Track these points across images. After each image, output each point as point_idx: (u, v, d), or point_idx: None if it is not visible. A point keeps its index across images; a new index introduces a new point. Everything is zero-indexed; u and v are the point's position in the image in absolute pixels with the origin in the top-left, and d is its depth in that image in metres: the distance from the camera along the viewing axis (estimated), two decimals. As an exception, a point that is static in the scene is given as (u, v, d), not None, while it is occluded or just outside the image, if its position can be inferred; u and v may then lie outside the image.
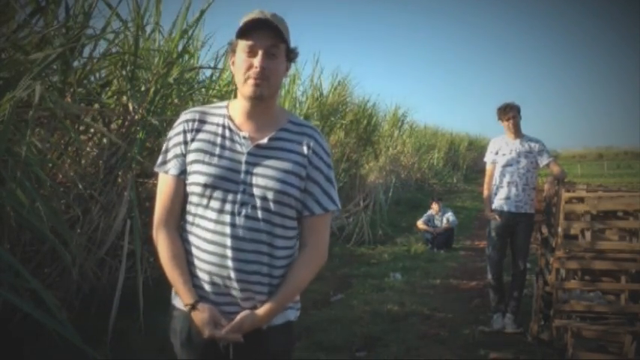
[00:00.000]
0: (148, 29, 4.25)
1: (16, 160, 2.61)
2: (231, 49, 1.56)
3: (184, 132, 1.58)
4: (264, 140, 1.54)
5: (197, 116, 1.59)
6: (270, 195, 1.51)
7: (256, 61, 1.50)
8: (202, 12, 4.23)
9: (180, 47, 4.25)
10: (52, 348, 2.92)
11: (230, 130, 1.56)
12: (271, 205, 1.51)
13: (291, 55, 1.59)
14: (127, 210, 3.64)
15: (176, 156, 1.58)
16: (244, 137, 1.54)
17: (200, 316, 1.49)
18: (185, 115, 1.61)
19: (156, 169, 1.63)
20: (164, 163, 1.60)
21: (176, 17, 4.26)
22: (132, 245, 3.51)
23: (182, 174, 1.57)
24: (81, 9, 3.52)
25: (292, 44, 1.59)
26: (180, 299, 1.54)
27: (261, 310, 1.51)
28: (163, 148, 1.62)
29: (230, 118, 1.58)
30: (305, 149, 1.56)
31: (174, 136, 1.59)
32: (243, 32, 1.51)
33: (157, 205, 1.60)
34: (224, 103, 1.64)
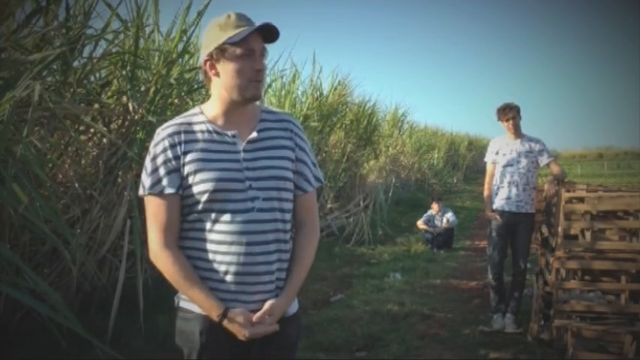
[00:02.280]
0: (148, 29, 4.25)
1: (16, 160, 2.62)
2: (220, 56, 1.53)
3: (172, 146, 1.53)
4: (254, 134, 1.58)
5: (181, 128, 1.56)
6: (274, 184, 1.56)
7: (258, 64, 1.55)
8: (200, 14, 4.22)
9: (180, 47, 4.25)
10: (51, 350, 2.92)
11: (217, 133, 1.56)
12: (277, 193, 1.57)
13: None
14: (127, 210, 3.65)
15: (169, 172, 1.53)
16: (233, 136, 1.57)
17: (235, 320, 1.50)
18: (165, 131, 1.56)
19: (149, 192, 1.55)
20: (157, 182, 1.53)
21: (174, 17, 4.27)
22: (132, 245, 3.51)
23: (179, 189, 1.53)
24: (81, 9, 3.52)
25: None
26: (207, 312, 1.51)
27: (283, 296, 1.56)
28: (149, 170, 1.55)
29: (211, 122, 1.58)
30: (289, 134, 1.64)
31: (161, 154, 1.53)
32: (244, 38, 1.51)
33: (155, 228, 1.55)
34: (196, 110, 1.62)
